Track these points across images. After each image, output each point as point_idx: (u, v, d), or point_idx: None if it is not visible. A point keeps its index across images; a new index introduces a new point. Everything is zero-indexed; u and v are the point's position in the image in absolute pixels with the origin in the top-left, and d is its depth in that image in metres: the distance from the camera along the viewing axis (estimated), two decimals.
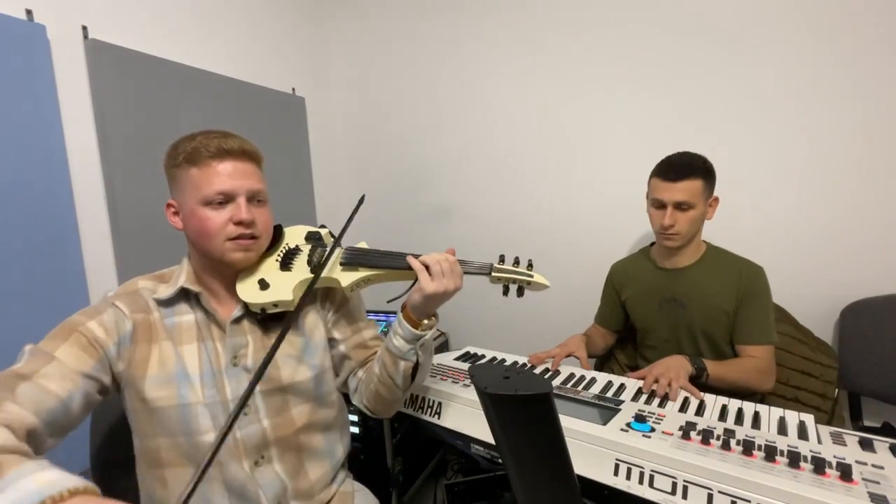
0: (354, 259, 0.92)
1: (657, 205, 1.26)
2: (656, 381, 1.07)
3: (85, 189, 1.36)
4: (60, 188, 1.30)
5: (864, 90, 1.42)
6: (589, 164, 1.86)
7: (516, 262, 0.93)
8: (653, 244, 1.42)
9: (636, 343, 1.50)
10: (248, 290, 0.85)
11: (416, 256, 0.89)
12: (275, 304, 0.84)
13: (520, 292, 0.91)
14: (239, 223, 0.80)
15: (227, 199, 0.80)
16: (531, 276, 0.90)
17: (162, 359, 0.80)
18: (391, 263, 0.91)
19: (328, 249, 0.91)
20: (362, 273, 0.91)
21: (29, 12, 1.24)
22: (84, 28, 1.35)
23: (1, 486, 0.50)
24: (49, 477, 0.51)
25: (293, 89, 2.14)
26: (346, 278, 0.90)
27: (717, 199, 1.28)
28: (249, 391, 0.65)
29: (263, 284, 0.85)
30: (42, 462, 0.55)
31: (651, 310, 1.37)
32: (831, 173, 1.49)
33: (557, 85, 1.87)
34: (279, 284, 0.86)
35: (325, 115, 2.34)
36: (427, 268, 0.85)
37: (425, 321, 0.89)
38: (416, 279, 0.87)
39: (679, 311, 1.31)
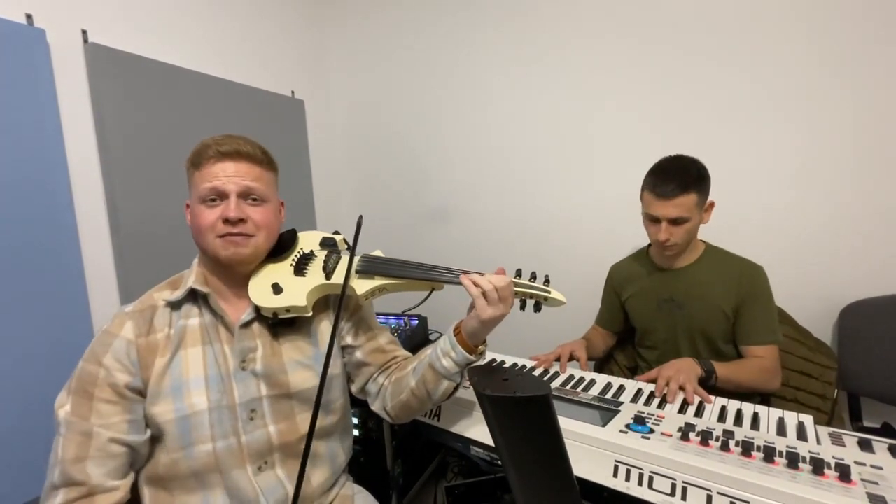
0: (371, 268, 0.90)
1: (651, 219, 1.24)
2: (667, 384, 1.06)
3: (84, 192, 1.37)
4: (60, 191, 1.30)
5: (863, 90, 1.42)
6: (588, 166, 1.86)
7: (533, 277, 0.91)
8: (650, 245, 1.42)
9: (635, 343, 1.50)
10: (260, 294, 0.84)
11: (467, 273, 0.87)
12: (287, 310, 0.84)
13: (537, 307, 0.90)
14: (226, 221, 0.81)
15: (220, 197, 0.82)
16: (549, 291, 0.89)
17: (160, 375, 0.80)
18: (408, 274, 0.89)
19: (349, 257, 0.89)
20: (378, 282, 0.89)
21: (29, 17, 1.24)
22: (84, 32, 1.36)
23: None
24: None
25: (292, 92, 2.14)
26: (362, 286, 0.89)
27: (712, 204, 1.26)
28: (319, 394, 0.76)
29: (277, 289, 0.84)
30: None
31: (650, 310, 1.37)
32: (829, 173, 1.49)
33: (556, 87, 1.87)
34: (293, 289, 0.85)
35: (325, 118, 2.34)
36: (484, 294, 0.84)
37: (480, 347, 0.88)
38: (431, 290, 0.89)
39: (677, 312, 1.31)
